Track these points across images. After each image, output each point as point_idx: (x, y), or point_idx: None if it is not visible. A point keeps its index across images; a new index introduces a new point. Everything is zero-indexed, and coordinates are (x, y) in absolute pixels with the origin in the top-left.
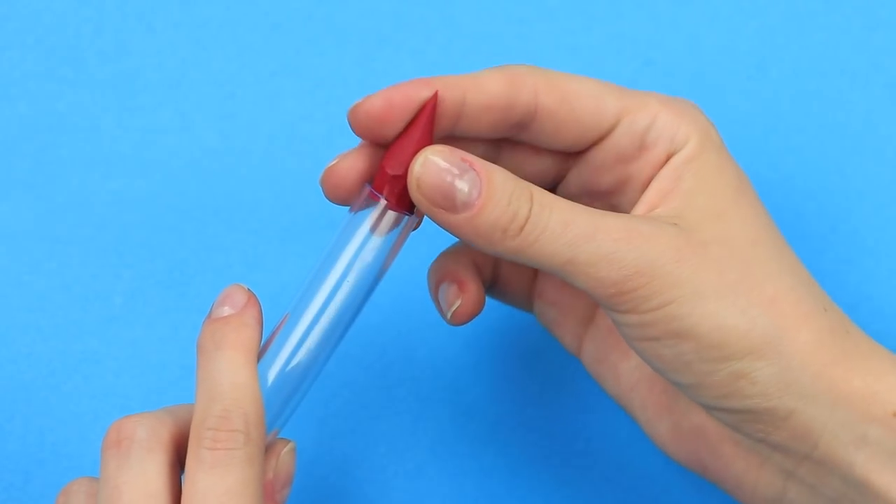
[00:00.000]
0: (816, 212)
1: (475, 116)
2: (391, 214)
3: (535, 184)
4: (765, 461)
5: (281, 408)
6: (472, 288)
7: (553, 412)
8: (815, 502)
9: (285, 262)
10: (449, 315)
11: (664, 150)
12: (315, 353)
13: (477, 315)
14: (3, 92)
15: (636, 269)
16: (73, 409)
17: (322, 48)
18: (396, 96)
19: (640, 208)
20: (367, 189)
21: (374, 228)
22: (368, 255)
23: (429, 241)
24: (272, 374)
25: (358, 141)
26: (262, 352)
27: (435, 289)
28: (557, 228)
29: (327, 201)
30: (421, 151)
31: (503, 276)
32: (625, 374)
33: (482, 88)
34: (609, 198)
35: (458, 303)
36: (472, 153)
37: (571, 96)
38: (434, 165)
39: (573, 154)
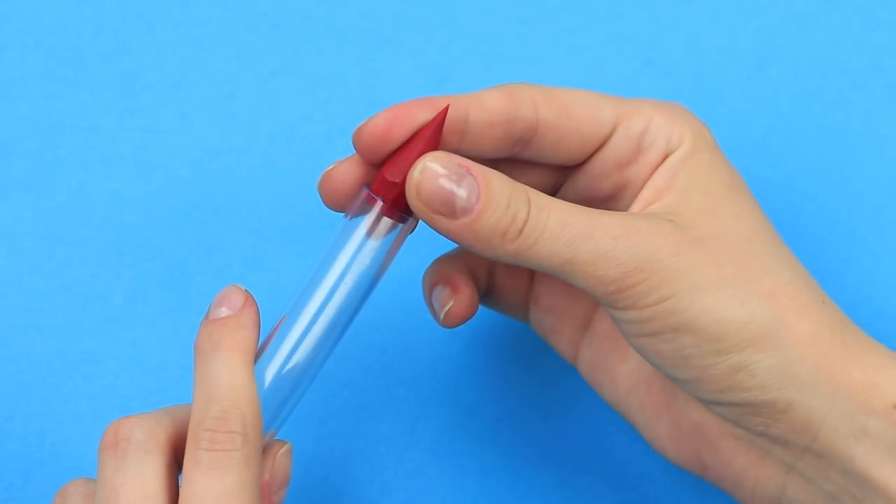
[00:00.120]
0: (816, 212)
1: (479, 133)
2: (388, 219)
3: None
4: (765, 455)
5: (278, 409)
6: (466, 290)
7: (553, 412)
8: (814, 498)
9: (285, 262)
10: (441, 315)
11: (660, 152)
12: (312, 354)
13: (470, 318)
14: (3, 92)
15: (635, 265)
16: (73, 409)
17: (322, 48)
18: (401, 114)
19: (636, 206)
20: (365, 192)
21: (370, 232)
22: (366, 257)
23: (428, 241)
24: (269, 376)
25: None
26: (259, 353)
27: (429, 292)
28: (556, 229)
29: None
30: (419, 158)
31: (498, 283)
32: (623, 376)
33: (484, 105)
34: (607, 204)
35: (451, 303)
36: None
37: (569, 107)
38: (433, 171)
39: (572, 167)
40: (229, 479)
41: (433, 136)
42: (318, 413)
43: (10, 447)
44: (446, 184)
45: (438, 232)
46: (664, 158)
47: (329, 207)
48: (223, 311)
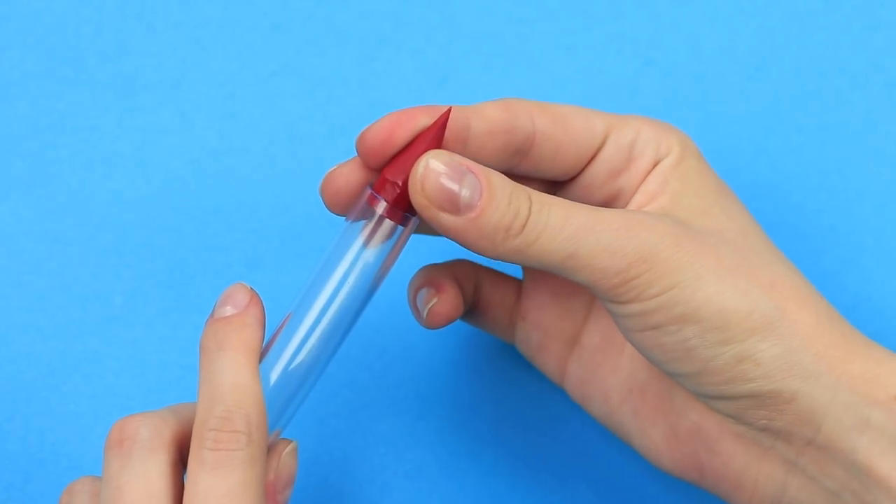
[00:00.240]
0: (816, 212)
1: (480, 143)
2: (390, 220)
3: None
4: (766, 453)
5: (283, 408)
6: (451, 290)
7: (553, 412)
8: (815, 497)
9: (285, 262)
10: (424, 313)
11: (651, 160)
12: (317, 353)
13: (453, 320)
14: (3, 92)
15: (637, 256)
16: (73, 409)
17: (322, 48)
18: (403, 118)
19: (629, 209)
20: (368, 192)
21: (373, 233)
22: (369, 258)
23: (430, 241)
24: (274, 375)
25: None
26: (264, 352)
27: (413, 296)
28: (558, 224)
29: None
30: (422, 156)
31: (484, 297)
32: (615, 388)
33: (484, 115)
34: None
35: (434, 301)
36: None
37: (563, 117)
38: (436, 169)
39: (565, 181)
40: (233, 479)
41: (435, 137)
42: (318, 413)
43: (10, 447)
44: (448, 181)
45: (440, 230)
46: (654, 166)
47: (331, 210)
48: (228, 310)
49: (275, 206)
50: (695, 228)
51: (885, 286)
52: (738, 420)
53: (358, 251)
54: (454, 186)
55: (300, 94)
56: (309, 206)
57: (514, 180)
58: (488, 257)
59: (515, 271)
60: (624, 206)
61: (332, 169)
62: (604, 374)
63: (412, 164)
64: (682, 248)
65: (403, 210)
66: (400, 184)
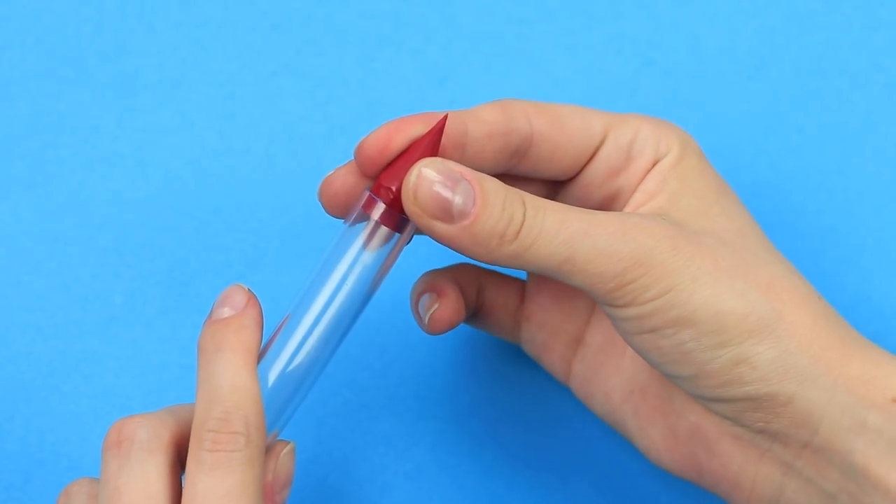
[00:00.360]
0: (816, 212)
1: (479, 147)
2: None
3: None
4: (763, 454)
5: (281, 409)
6: (452, 295)
7: (552, 412)
8: (812, 499)
9: (285, 262)
10: (426, 318)
11: (650, 159)
12: (315, 355)
13: (455, 325)
14: (3, 92)
15: (634, 259)
16: (73, 409)
17: (322, 48)
18: (401, 125)
19: (627, 210)
20: (366, 194)
21: (370, 237)
22: (367, 261)
23: (431, 242)
24: (272, 376)
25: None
26: (262, 353)
27: (415, 302)
28: (553, 228)
29: None
30: (415, 165)
31: (487, 301)
32: (617, 387)
33: (481, 119)
34: None
35: (436, 306)
36: None
37: (560, 117)
38: (428, 177)
39: (564, 181)
40: (232, 480)
41: (430, 144)
42: (318, 413)
43: (10, 447)
44: (441, 189)
45: (435, 238)
46: (653, 165)
47: (329, 213)
48: (226, 312)
49: (275, 206)
50: (691, 229)
51: (885, 286)
52: (736, 422)
53: (356, 254)
54: (447, 194)
55: (300, 94)
56: (309, 206)
57: (513, 181)
58: (484, 262)
59: (519, 273)
60: (623, 206)
61: (329, 172)
62: (606, 375)
63: (406, 171)
64: (678, 250)
65: (400, 214)
66: (394, 189)
